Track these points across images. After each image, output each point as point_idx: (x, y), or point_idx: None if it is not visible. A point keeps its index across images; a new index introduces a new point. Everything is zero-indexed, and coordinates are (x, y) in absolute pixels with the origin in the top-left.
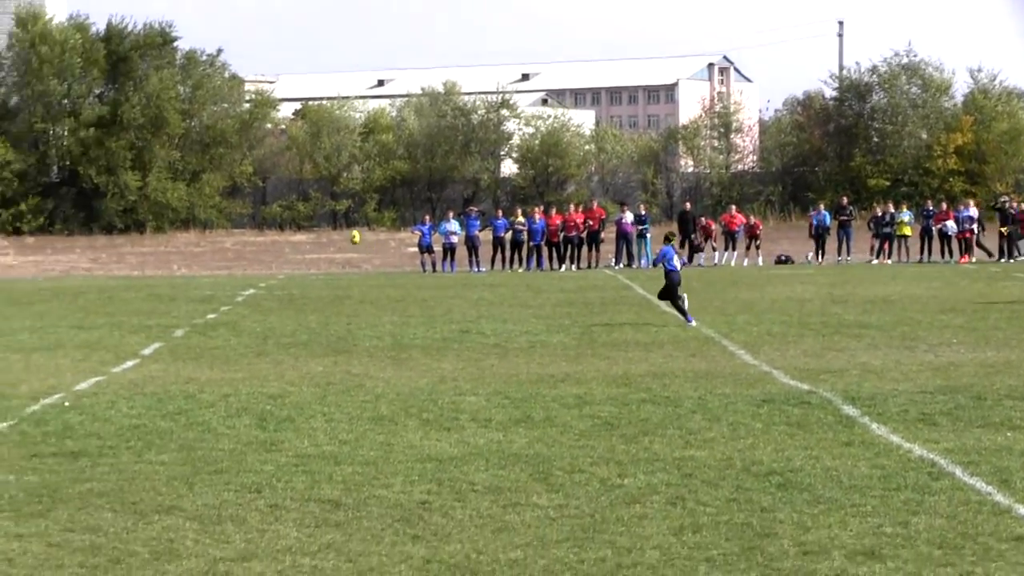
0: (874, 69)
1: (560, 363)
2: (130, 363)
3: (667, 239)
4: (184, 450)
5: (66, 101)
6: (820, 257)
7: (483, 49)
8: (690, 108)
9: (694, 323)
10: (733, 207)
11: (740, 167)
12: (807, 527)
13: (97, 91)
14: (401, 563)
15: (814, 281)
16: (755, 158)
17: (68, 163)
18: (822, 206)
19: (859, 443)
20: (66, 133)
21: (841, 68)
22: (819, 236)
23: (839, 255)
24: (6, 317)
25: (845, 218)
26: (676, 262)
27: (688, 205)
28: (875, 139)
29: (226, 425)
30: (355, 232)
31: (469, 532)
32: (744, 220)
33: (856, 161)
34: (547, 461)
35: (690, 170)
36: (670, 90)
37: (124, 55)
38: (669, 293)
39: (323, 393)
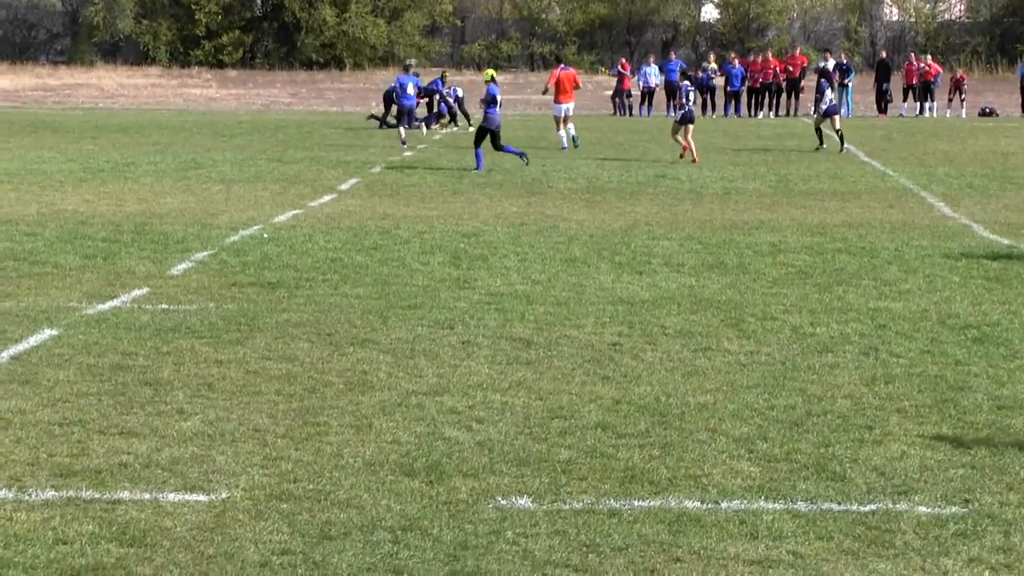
0: None
1: (755, 210)
2: (327, 197)
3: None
4: (379, 284)
5: None
6: None
7: None
8: None
9: None
10: (928, 56)
11: (947, 17)
12: (1002, 382)
13: None
14: (591, 403)
15: (1019, 134)
16: (963, 8)
17: None
18: None
19: None
20: None
21: None
22: None
23: None
24: (208, 149)
25: None
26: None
27: (884, 54)
28: None
29: (420, 261)
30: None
31: (659, 375)
32: (939, 70)
33: None
34: (739, 307)
35: (895, 19)
36: None
37: None
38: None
39: (517, 233)
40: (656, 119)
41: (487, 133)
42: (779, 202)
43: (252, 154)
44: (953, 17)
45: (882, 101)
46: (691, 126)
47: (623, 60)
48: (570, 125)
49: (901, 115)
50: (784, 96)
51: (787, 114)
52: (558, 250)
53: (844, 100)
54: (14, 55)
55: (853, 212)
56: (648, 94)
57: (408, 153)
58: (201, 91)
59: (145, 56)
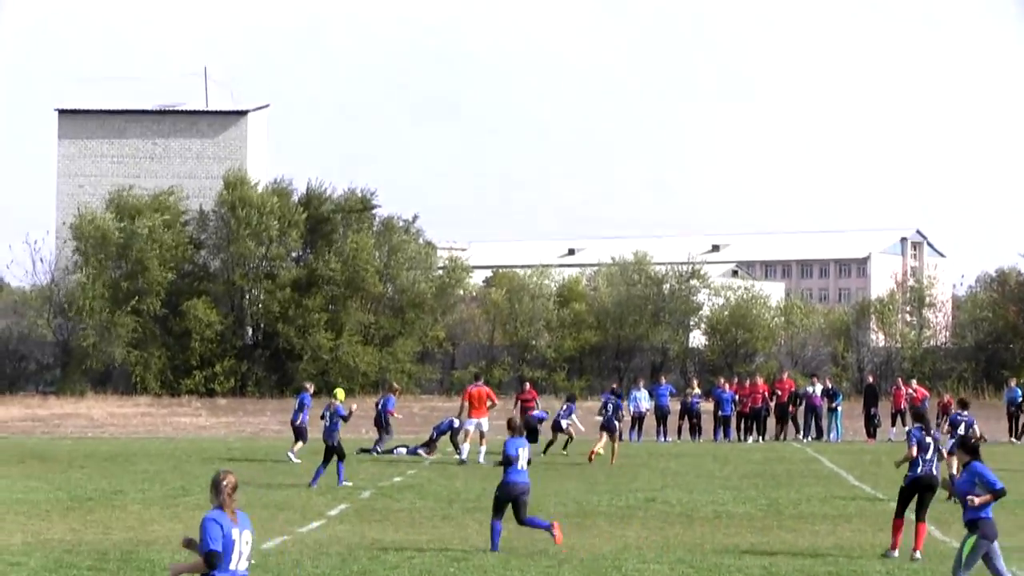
0: None
1: (746, 534)
2: (316, 523)
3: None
4: None
5: (264, 263)
6: (1015, 435)
7: (673, 219)
8: (882, 282)
9: None
10: (915, 381)
11: (932, 342)
12: None
13: (295, 254)
14: None
15: (1008, 459)
16: (948, 334)
17: (263, 325)
18: (1014, 382)
19: None
20: (263, 295)
21: None
22: (1012, 414)
23: None
24: (196, 476)
25: None
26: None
27: (871, 378)
28: None
29: None
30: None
31: None
32: (926, 394)
33: None
34: None
35: (881, 345)
36: (862, 264)
37: (324, 218)
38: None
39: (507, 558)
40: (646, 444)
41: (328, 450)
42: (770, 526)
43: (240, 481)
44: (939, 343)
45: (870, 426)
46: (606, 434)
47: (528, 385)
48: (483, 444)
49: (890, 439)
50: (773, 421)
51: (776, 438)
52: (549, 574)
53: (833, 424)
54: (4, 386)
55: (844, 536)
56: (638, 419)
57: (398, 478)
58: (191, 419)
59: (135, 386)
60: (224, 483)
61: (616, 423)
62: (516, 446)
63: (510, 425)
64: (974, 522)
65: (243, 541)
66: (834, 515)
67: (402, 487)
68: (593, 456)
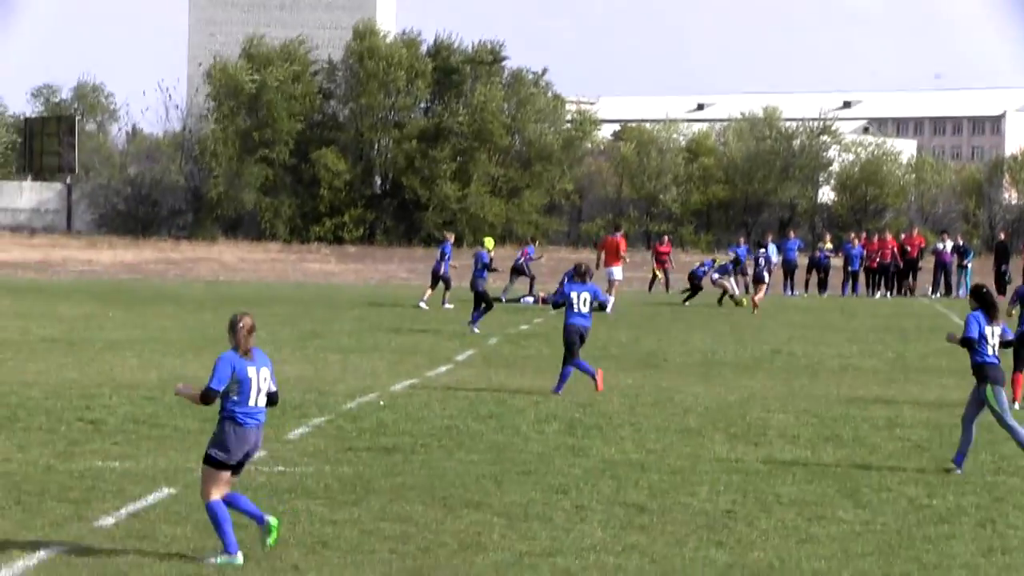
0: None
1: (871, 386)
2: (444, 368)
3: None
4: (493, 451)
5: (391, 114)
6: None
7: (804, 76)
8: (1016, 140)
9: None
10: None
11: None
12: None
13: (422, 105)
14: (704, 567)
15: None
16: None
17: (391, 175)
18: None
19: None
20: (391, 145)
21: None
22: None
23: None
24: (326, 321)
25: None
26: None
27: (1003, 235)
28: None
29: (535, 429)
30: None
31: (773, 541)
32: None
33: None
34: (854, 478)
35: (1014, 202)
36: (996, 121)
37: (452, 69)
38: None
39: (632, 404)
40: (773, 296)
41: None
42: (896, 378)
43: (370, 325)
44: None
45: (1001, 282)
46: (763, 285)
47: (666, 238)
48: (612, 294)
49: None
50: (901, 276)
51: (904, 294)
52: (673, 421)
53: (963, 281)
54: (138, 230)
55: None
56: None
57: (524, 326)
58: (320, 266)
59: (265, 232)
60: (240, 324)
61: (767, 275)
62: (573, 289)
63: (577, 270)
64: (980, 367)
65: (260, 378)
66: (961, 369)
67: (528, 335)
68: (756, 309)
